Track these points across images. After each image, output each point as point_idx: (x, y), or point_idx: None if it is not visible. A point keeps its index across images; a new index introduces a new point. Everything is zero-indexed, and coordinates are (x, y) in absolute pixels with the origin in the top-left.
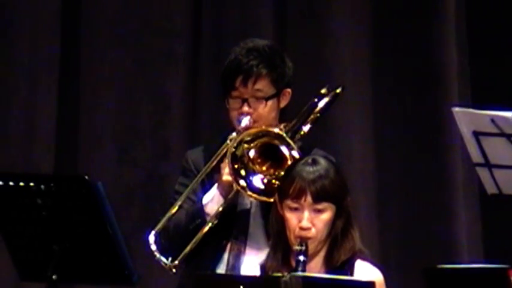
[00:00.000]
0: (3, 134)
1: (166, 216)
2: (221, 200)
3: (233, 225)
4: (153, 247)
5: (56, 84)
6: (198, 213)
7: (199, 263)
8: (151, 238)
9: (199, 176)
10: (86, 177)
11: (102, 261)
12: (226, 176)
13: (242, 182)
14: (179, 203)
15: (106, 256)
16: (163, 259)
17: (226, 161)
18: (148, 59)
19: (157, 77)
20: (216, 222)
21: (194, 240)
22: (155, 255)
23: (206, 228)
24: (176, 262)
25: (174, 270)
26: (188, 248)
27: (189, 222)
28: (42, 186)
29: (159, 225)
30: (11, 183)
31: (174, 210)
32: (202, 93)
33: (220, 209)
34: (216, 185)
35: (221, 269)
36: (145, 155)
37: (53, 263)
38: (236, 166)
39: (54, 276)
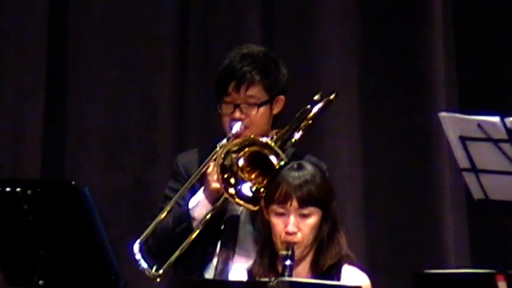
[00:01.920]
0: None
1: (152, 225)
2: (208, 206)
3: (222, 231)
4: (138, 256)
5: (43, 88)
6: (184, 216)
7: (188, 267)
8: (136, 247)
9: (188, 182)
10: (73, 182)
11: (89, 267)
12: (215, 184)
13: (231, 190)
14: (168, 208)
15: (93, 261)
16: (148, 268)
17: (214, 168)
18: (135, 63)
19: (144, 82)
20: (202, 228)
21: (180, 248)
22: (140, 265)
23: (193, 236)
24: (161, 272)
25: (158, 279)
26: (173, 257)
27: (175, 226)
28: (29, 192)
29: (144, 234)
30: None
31: (161, 217)
32: (189, 98)
33: (208, 216)
34: (202, 189)
35: (209, 274)
36: (133, 160)
37: (40, 268)
38: (226, 176)
39: (41, 282)
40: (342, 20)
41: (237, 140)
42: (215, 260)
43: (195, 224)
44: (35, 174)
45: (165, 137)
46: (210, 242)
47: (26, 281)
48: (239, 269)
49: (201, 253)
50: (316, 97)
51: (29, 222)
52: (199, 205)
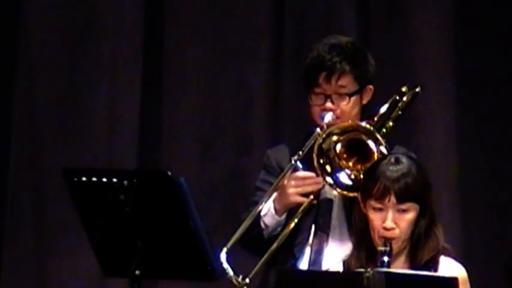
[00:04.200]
0: (86, 129)
1: (238, 232)
2: (275, 217)
3: (315, 219)
4: (225, 264)
5: (139, 79)
6: (255, 222)
7: (281, 258)
8: (223, 256)
9: (282, 175)
10: (169, 173)
11: (185, 257)
12: (297, 198)
13: (329, 179)
14: (253, 213)
15: (189, 252)
16: (235, 276)
17: (291, 180)
18: (231, 56)
19: (239, 74)
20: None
21: (265, 257)
22: (227, 273)
23: (274, 246)
24: (247, 280)
25: None
26: (259, 264)
27: (250, 229)
28: (125, 182)
29: (231, 242)
30: (94, 179)
31: (247, 222)
32: (284, 89)
33: (279, 228)
34: (274, 196)
35: (303, 265)
36: (228, 150)
37: (136, 259)
38: (322, 161)
39: (137, 272)
40: (436, 11)
41: (341, 124)
42: (307, 250)
43: (267, 232)
44: (131, 165)
45: (260, 127)
46: (303, 230)
47: (122, 271)
48: (332, 253)
49: (294, 243)
50: (403, 89)
51: (126, 213)
52: (269, 214)
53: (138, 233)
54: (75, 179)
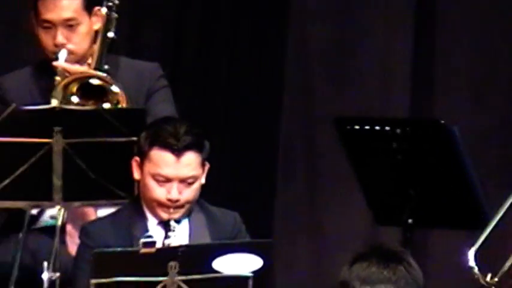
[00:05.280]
0: (359, 78)
1: (487, 232)
2: None
3: None
4: (472, 263)
5: (412, 27)
6: None
7: None
8: (471, 254)
9: None
10: (442, 121)
11: (457, 206)
12: None
13: None
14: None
15: (461, 201)
16: (482, 277)
17: None
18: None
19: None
20: None
21: None
22: (474, 273)
23: None
24: (496, 279)
25: None
26: (509, 263)
27: None
28: (398, 130)
29: (479, 242)
30: (366, 127)
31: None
32: None
33: None
34: None
35: None
36: (499, 100)
37: (409, 208)
38: None
39: (410, 221)
40: None
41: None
42: None
43: None
44: (403, 113)
45: None
46: None
47: (394, 220)
48: None
49: None
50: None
51: (398, 161)
52: None
53: (411, 182)
54: (348, 127)
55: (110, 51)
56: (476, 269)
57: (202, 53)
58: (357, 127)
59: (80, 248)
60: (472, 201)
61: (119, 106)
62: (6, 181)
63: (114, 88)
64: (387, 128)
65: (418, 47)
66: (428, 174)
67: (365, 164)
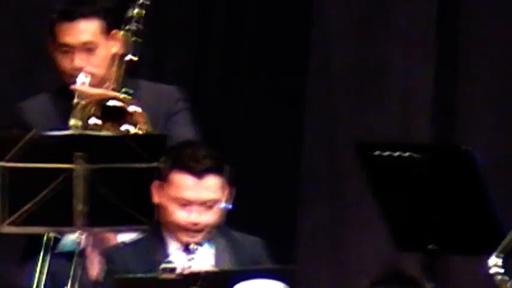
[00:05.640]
0: (381, 103)
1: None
2: None
3: None
4: (493, 270)
5: (433, 51)
6: None
7: None
8: (492, 261)
9: None
10: (463, 147)
11: (478, 232)
12: None
13: None
14: None
15: (482, 227)
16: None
17: None
18: None
19: None
20: None
21: None
22: (495, 280)
23: None
24: None
25: None
26: None
27: None
28: (419, 156)
29: (500, 249)
30: (387, 153)
31: None
32: None
33: None
34: None
35: None
36: None
37: (430, 233)
38: None
39: (431, 246)
40: None
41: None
42: None
43: None
44: (425, 139)
45: None
46: None
47: (415, 245)
48: None
49: None
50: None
51: (419, 187)
52: None
53: (432, 207)
54: (369, 153)
55: (131, 75)
56: (498, 276)
57: (225, 78)
58: (377, 153)
59: (104, 273)
60: (492, 227)
61: (138, 127)
62: (27, 205)
63: (133, 108)
64: (408, 153)
65: (439, 73)
66: (450, 199)
67: (386, 189)
